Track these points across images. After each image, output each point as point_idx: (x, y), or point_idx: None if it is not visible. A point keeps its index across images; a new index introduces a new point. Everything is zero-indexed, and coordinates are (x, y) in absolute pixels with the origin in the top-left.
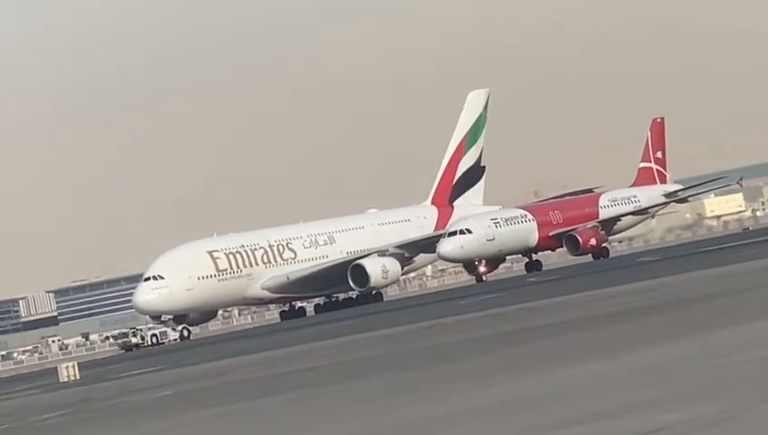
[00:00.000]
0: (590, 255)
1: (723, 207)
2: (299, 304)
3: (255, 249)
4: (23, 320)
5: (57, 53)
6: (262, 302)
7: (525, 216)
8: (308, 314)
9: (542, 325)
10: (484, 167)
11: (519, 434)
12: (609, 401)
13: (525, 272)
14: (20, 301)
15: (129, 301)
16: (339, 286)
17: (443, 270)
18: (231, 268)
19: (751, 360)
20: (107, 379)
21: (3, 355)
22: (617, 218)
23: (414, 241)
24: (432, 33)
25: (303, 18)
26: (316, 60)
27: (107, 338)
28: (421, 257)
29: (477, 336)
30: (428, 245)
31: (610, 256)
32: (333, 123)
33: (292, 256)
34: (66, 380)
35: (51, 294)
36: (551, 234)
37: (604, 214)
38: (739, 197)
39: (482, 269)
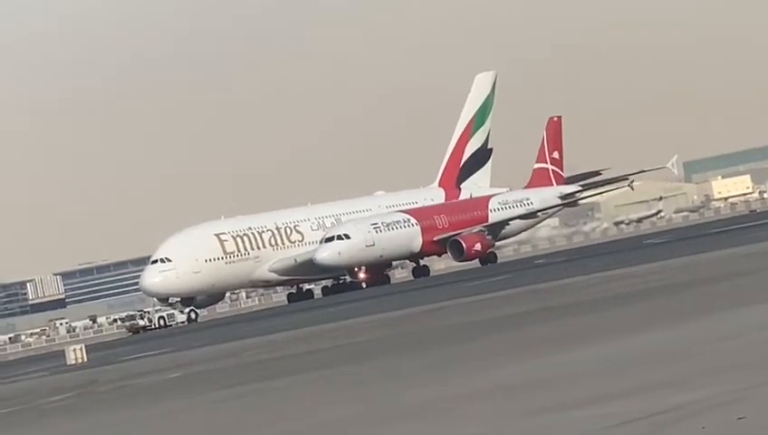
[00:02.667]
0: (477, 260)
1: (730, 188)
2: (306, 286)
3: (263, 232)
4: (30, 302)
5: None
6: (269, 284)
7: (408, 220)
8: (315, 297)
9: (549, 307)
10: (491, 149)
11: (524, 416)
12: (618, 382)
13: (413, 278)
14: (27, 283)
15: (137, 283)
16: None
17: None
18: (238, 251)
19: (758, 341)
20: (114, 361)
21: (10, 338)
22: (505, 222)
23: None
24: (439, 14)
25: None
26: (324, 42)
27: (114, 321)
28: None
29: (483, 319)
30: None
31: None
32: (340, 106)
33: (300, 238)
34: (74, 362)
35: (58, 277)
36: (435, 239)
37: (494, 217)
38: (747, 179)
39: (362, 276)
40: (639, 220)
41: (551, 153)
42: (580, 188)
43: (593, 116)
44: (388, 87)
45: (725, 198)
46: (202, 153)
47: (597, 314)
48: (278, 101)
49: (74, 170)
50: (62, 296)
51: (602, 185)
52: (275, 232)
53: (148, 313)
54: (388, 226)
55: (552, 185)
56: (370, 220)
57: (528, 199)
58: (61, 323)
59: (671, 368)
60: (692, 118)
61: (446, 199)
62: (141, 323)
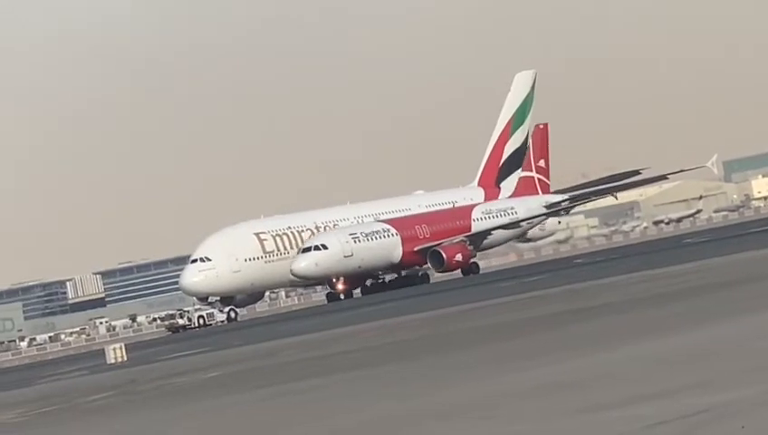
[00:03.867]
0: (459, 271)
1: None
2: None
3: (302, 231)
4: (70, 301)
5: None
6: (309, 284)
7: (388, 230)
8: (354, 296)
9: (587, 307)
10: (530, 148)
11: (560, 416)
12: (654, 382)
13: (395, 288)
14: (67, 282)
15: (176, 282)
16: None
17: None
18: (278, 250)
19: None
20: (154, 360)
21: (51, 337)
22: (487, 232)
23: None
24: (479, 13)
25: None
26: (363, 43)
27: (154, 320)
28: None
29: (519, 318)
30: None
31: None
32: (379, 106)
33: None
34: (113, 361)
35: (98, 276)
36: (416, 249)
37: (477, 227)
38: None
39: (340, 287)
40: (679, 220)
41: (537, 161)
42: (565, 198)
43: (633, 115)
44: (427, 86)
45: (765, 198)
46: (242, 153)
47: (634, 313)
48: (316, 102)
49: (114, 170)
50: (102, 295)
51: (641, 184)
52: (315, 231)
53: (188, 312)
54: (367, 236)
55: (537, 194)
56: (349, 230)
57: (512, 209)
58: (101, 323)
59: (708, 368)
60: (732, 117)
61: (485, 198)
62: (181, 322)
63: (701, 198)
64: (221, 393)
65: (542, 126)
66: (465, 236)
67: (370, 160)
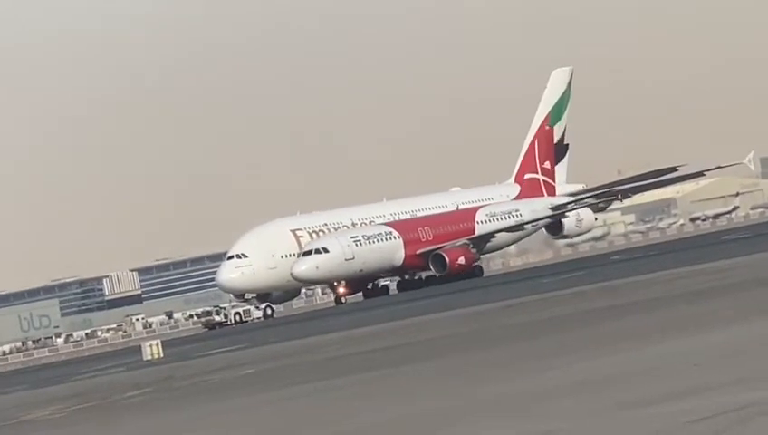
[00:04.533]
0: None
1: None
2: (382, 282)
3: (338, 228)
4: (107, 298)
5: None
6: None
7: (390, 233)
8: (390, 293)
9: (624, 304)
10: (567, 145)
11: (601, 412)
12: (695, 378)
13: (398, 291)
14: (104, 279)
15: (213, 279)
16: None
17: (526, 249)
18: None
19: None
20: (190, 357)
21: (87, 333)
22: (491, 235)
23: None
24: (515, 8)
25: None
26: (397, 38)
27: (190, 316)
28: (502, 236)
29: (558, 314)
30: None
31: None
32: (415, 102)
33: None
34: (150, 358)
35: (134, 273)
36: (418, 252)
37: (481, 229)
38: None
39: (341, 290)
40: (716, 217)
41: (542, 163)
42: (572, 199)
43: (670, 111)
44: (464, 83)
45: None
46: (277, 149)
47: (673, 310)
48: (353, 99)
49: (150, 167)
50: (139, 292)
51: (678, 181)
52: (351, 228)
53: (224, 308)
54: (368, 239)
55: (542, 196)
56: (350, 233)
57: (517, 211)
58: (137, 319)
59: (747, 365)
60: None
61: (520, 195)
62: (217, 318)
63: (738, 194)
64: (257, 390)
65: (546, 127)
66: (468, 239)
67: (407, 157)
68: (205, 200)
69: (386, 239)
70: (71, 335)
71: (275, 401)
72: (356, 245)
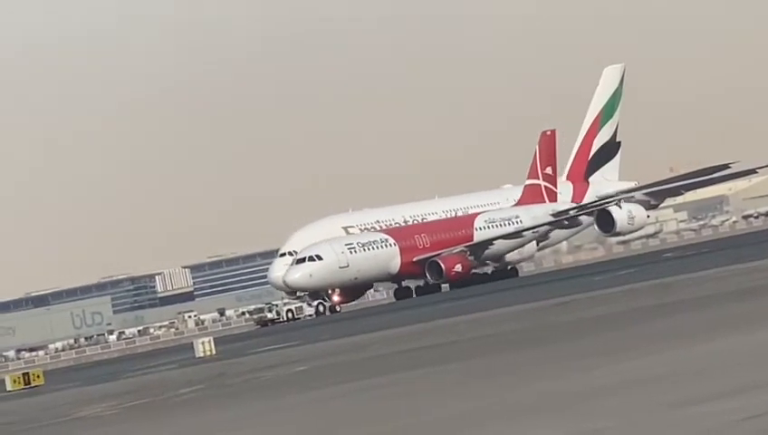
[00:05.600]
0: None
1: None
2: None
3: (391, 225)
4: (159, 295)
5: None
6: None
7: (386, 240)
8: (443, 290)
9: (676, 301)
10: (619, 142)
11: (650, 411)
12: (743, 376)
13: (395, 299)
14: (156, 277)
15: (265, 276)
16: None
17: (578, 246)
18: None
19: None
20: (242, 354)
21: (140, 330)
22: (489, 242)
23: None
24: (566, 6)
25: None
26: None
27: (242, 313)
28: (556, 233)
29: (608, 312)
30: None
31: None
32: (470, 98)
33: None
34: (202, 355)
35: (187, 270)
36: (415, 259)
37: (479, 236)
38: None
39: (336, 299)
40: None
41: (543, 169)
42: (574, 206)
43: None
44: (516, 80)
45: None
46: (330, 146)
47: (723, 308)
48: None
49: (203, 165)
50: (191, 289)
51: (730, 178)
52: (403, 225)
53: (277, 306)
54: (363, 246)
55: (544, 202)
56: (345, 240)
57: (518, 217)
58: (189, 316)
59: None
60: None
61: (573, 193)
62: (269, 316)
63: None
64: (308, 388)
65: (549, 132)
66: (466, 247)
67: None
68: (256, 198)
69: (382, 246)
70: (123, 332)
71: (326, 399)
72: (350, 252)
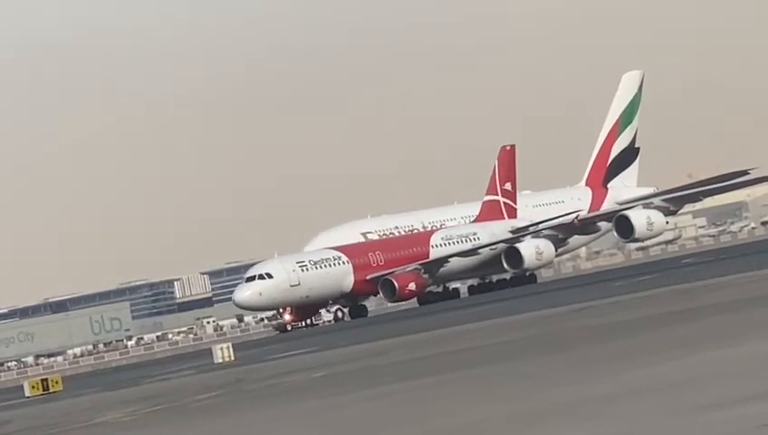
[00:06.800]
0: (415, 299)
1: None
2: (453, 285)
3: (410, 230)
4: (178, 301)
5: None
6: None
7: (339, 257)
8: (462, 296)
9: (695, 307)
10: (638, 148)
11: (667, 416)
12: (763, 382)
13: (350, 319)
14: (175, 282)
15: None
16: (493, 268)
17: (597, 252)
18: None
19: None
20: (261, 360)
21: (158, 336)
22: (444, 259)
23: (568, 223)
24: (586, 13)
25: None
26: (469, 37)
27: (261, 320)
28: (575, 239)
29: (627, 319)
30: (582, 227)
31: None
32: (485, 104)
33: None
34: (221, 361)
35: (205, 276)
36: (368, 277)
37: (435, 253)
38: None
39: (287, 317)
40: None
41: (502, 184)
42: (533, 222)
43: (742, 114)
44: (533, 85)
45: None
46: (347, 151)
47: (741, 314)
48: (424, 101)
49: (221, 170)
50: (210, 295)
51: (749, 185)
52: (422, 231)
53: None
54: (315, 264)
55: (503, 218)
56: (296, 258)
57: (475, 234)
58: (208, 322)
59: None
60: None
61: (592, 198)
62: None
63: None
64: (327, 394)
65: (508, 147)
66: (420, 264)
67: (478, 160)
68: (274, 203)
69: (334, 264)
70: (141, 338)
71: (344, 405)
72: (302, 270)
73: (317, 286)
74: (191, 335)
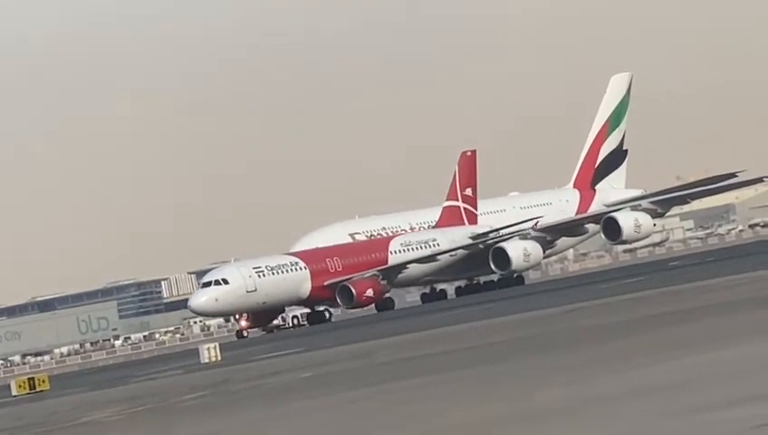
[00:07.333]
0: (373, 306)
1: None
2: (440, 286)
3: (397, 231)
4: (165, 301)
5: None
6: (403, 284)
7: (296, 263)
8: (449, 297)
9: (685, 310)
10: (626, 150)
11: (665, 417)
12: (760, 383)
13: (308, 325)
14: (162, 282)
15: None
16: (480, 269)
17: (585, 254)
18: None
19: None
20: (248, 360)
21: (145, 336)
22: (403, 266)
23: (556, 224)
24: (575, 15)
25: None
26: (459, 38)
27: None
28: (562, 241)
29: (618, 320)
30: (570, 228)
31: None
32: (475, 105)
33: None
34: (208, 361)
35: (192, 276)
36: (326, 283)
37: (394, 260)
38: None
39: (243, 324)
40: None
41: (463, 190)
42: (494, 228)
43: (730, 117)
44: (522, 87)
45: None
46: (335, 151)
47: (734, 315)
48: (413, 103)
49: (208, 170)
50: None
51: (737, 187)
52: (409, 232)
53: (282, 312)
54: (272, 269)
55: (463, 224)
56: (253, 264)
57: (434, 240)
58: (195, 322)
59: None
60: None
61: (580, 200)
62: (275, 322)
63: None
64: (313, 394)
65: (469, 153)
66: (379, 271)
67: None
68: (260, 203)
69: (291, 270)
70: (128, 338)
71: (330, 406)
72: (258, 276)
73: (274, 292)
74: (178, 335)
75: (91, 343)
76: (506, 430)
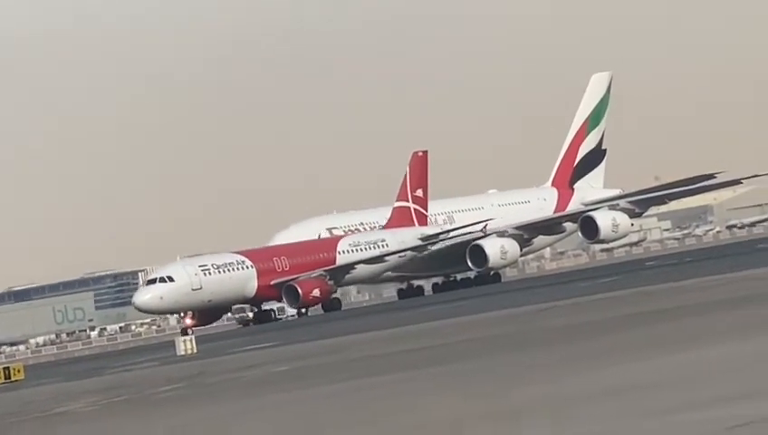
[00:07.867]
0: (320, 306)
1: None
2: (417, 282)
3: (375, 227)
4: None
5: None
6: (381, 280)
7: (243, 262)
8: (426, 294)
9: (660, 310)
10: (605, 150)
11: (643, 417)
12: (738, 383)
13: (254, 324)
14: (139, 273)
15: None
16: (457, 266)
17: (562, 252)
18: None
19: None
20: (223, 353)
21: (121, 327)
22: (351, 266)
23: (533, 223)
24: (555, 14)
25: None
26: (448, 43)
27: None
28: (540, 239)
29: (594, 319)
30: (547, 227)
31: None
32: (452, 103)
33: None
34: (183, 353)
35: None
36: (272, 283)
37: (342, 260)
38: None
39: (188, 322)
40: (752, 224)
41: (414, 191)
42: (444, 230)
43: (709, 118)
44: (501, 85)
45: None
46: (313, 149)
47: (711, 316)
48: (394, 100)
49: (186, 162)
50: None
51: (715, 188)
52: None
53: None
54: (218, 268)
55: (413, 225)
56: (199, 261)
57: (383, 241)
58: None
59: None
60: None
61: (558, 199)
62: (251, 315)
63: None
64: (288, 388)
65: (420, 153)
66: (325, 271)
67: (445, 158)
68: (238, 196)
69: (238, 269)
70: (105, 329)
71: (305, 400)
72: (204, 274)
73: (219, 291)
74: (154, 327)
75: (67, 334)
76: (480, 427)
